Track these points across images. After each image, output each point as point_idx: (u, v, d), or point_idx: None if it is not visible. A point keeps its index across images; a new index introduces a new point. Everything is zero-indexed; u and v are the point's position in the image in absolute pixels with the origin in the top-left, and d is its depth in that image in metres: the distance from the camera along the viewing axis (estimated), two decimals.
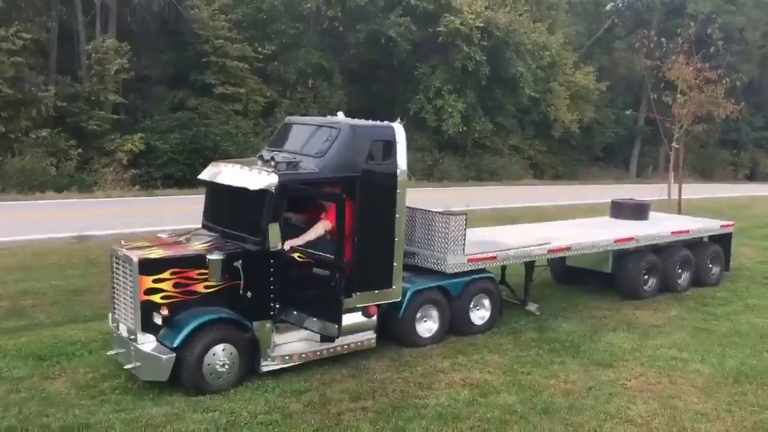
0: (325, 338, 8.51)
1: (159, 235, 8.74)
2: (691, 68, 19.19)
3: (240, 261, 7.85)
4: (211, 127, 28.56)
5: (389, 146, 8.76)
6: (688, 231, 13.23)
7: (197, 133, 27.91)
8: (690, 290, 13.08)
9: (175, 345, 7.49)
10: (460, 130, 34.61)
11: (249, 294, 7.92)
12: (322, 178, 8.31)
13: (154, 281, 7.58)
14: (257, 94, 30.81)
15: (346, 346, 8.67)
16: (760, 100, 52.37)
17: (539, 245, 10.94)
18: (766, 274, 15.06)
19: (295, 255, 8.04)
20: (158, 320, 7.62)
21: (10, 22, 24.56)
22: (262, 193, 7.88)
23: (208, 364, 7.62)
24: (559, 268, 13.20)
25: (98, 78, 26.66)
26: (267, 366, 8.10)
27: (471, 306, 9.97)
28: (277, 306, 8.04)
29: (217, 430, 6.82)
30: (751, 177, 53.65)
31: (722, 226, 14.09)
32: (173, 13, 28.80)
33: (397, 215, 8.80)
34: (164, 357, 7.47)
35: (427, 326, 9.54)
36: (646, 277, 12.40)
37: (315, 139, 8.83)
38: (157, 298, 7.59)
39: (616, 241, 11.90)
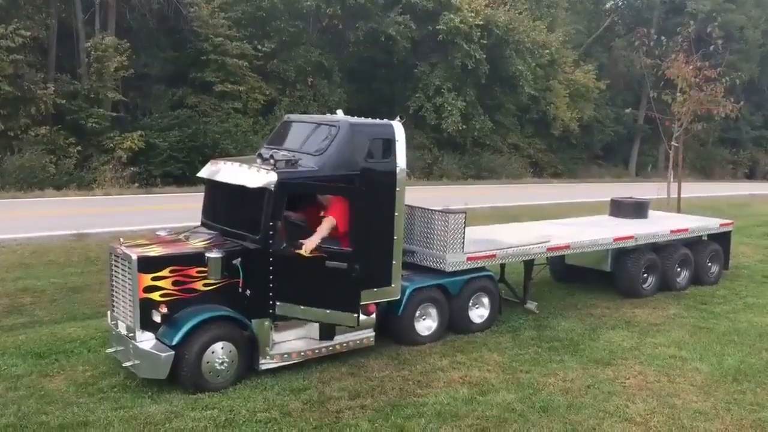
0: (324, 336, 8.54)
1: (158, 233, 8.74)
2: (690, 67, 19.15)
3: (239, 259, 7.85)
4: (211, 125, 28.55)
5: (389, 144, 8.74)
6: (687, 230, 13.24)
7: (196, 131, 27.90)
8: (689, 289, 13.08)
9: (174, 343, 7.49)
10: (460, 128, 34.61)
11: (248, 292, 7.92)
12: (321, 176, 8.29)
13: (153, 279, 7.57)
14: (256, 92, 30.77)
15: (345, 345, 8.67)
16: (760, 99, 52.42)
17: (538, 244, 10.93)
18: (765, 272, 15.07)
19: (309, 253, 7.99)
20: (157, 318, 7.62)
21: (10, 19, 24.54)
22: (262, 191, 7.87)
23: (207, 362, 7.62)
24: (559, 267, 13.21)
25: (97, 75, 26.63)
26: (266, 364, 8.10)
27: (470, 304, 9.98)
28: (278, 304, 8.03)
29: (215, 428, 6.82)
30: (751, 175, 53.74)
31: (721, 225, 14.09)
32: (172, 10, 28.79)
33: (396, 213, 8.79)
34: (163, 355, 7.46)
35: (426, 324, 9.54)
36: (645, 275, 12.41)
37: (314, 137, 8.82)
38: (156, 295, 7.59)
39: (615, 240, 11.90)
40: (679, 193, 19.86)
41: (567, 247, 11.25)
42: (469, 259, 9.80)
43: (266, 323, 8.06)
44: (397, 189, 8.77)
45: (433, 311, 9.57)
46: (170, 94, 29.43)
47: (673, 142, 20.59)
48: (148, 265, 7.58)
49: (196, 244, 8.15)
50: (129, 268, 7.65)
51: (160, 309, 7.59)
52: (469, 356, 9.04)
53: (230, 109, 29.80)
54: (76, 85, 26.76)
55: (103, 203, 21.14)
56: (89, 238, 15.11)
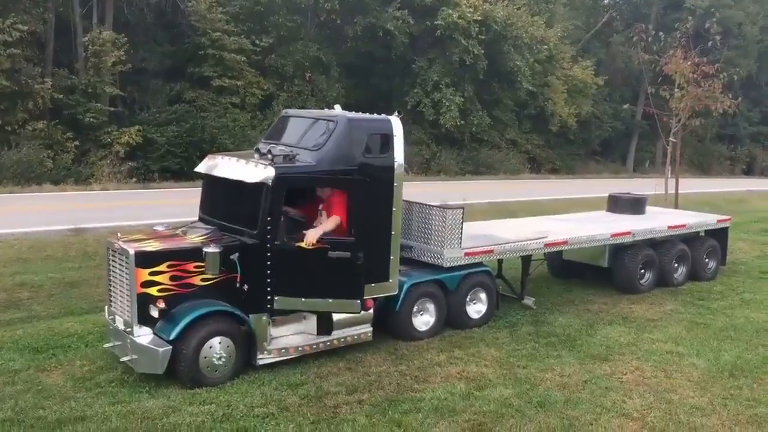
0: (322, 331, 8.55)
1: (155, 227, 8.73)
2: (688, 62, 19.18)
3: (237, 254, 7.85)
4: (208, 120, 28.51)
5: (386, 139, 8.73)
6: (684, 225, 13.25)
7: (194, 125, 27.86)
8: (686, 285, 13.09)
9: (171, 338, 7.48)
10: (458, 123, 34.58)
11: (246, 287, 7.92)
12: (319, 171, 8.29)
13: (151, 274, 7.57)
14: (254, 87, 30.72)
15: (342, 340, 8.68)
16: (758, 95, 52.45)
17: (536, 239, 10.94)
18: (762, 268, 15.08)
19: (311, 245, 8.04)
20: (155, 313, 7.62)
21: (7, 13, 24.45)
22: (259, 186, 7.87)
23: (205, 357, 7.62)
24: (556, 262, 13.22)
25: (95, 70, 26.57)
26: (263, 359, 8.11)
27: (467, 300, 9.98)
28: (276, 298, 8.03)
29: (213, 423, 6.82)
30: (748, 172, 53.79)
31: (719, 221, 14.10)
32: (170, 5, 28.74)
33: (394, 209, 8.79)
34: (160, 350, 7.46)
35: (424, 320, 9.55)
36: (642, 271, 12.42)
37: (312, 132, 8.81)
38: (153, 290, 7.59)
39: (612, 236, 11.91)
40: (676, 189, 19.90)
41: (564, 242, 11.26)
42: (466, 254, 9.80)
43: (264, 318, 8.06)
44: (395, 184, 8.76)
45: (431, 306, 9.58)
46: (168, 89, 29.36)
47: (670, 138, 20.64)
48: (145, 260, 7.57)
49: (194, 239, 8.14)
50: (126, 263, 7.65)
51: (157, 304, 7.58)
52: (467, 351, 9.05)
53: (228, 104, 29.76)
54: (74, 79, 26.69)
55: (100, 198, 21.11)
56: (87, 233, 15.10)
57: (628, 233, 12.11)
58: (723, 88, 20.05)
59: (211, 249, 7.69)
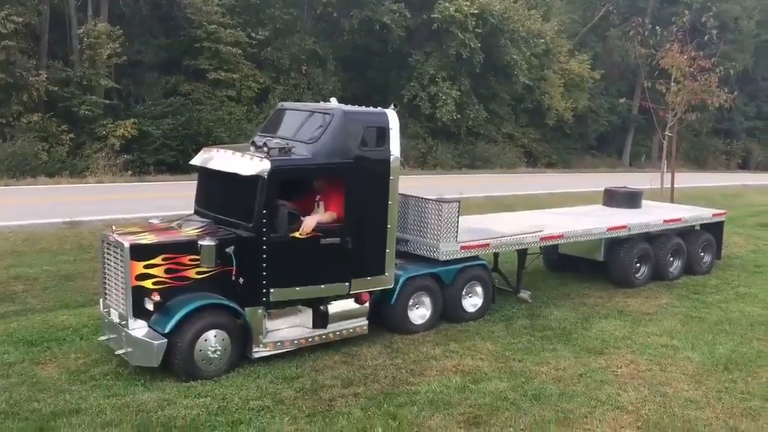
0: (318, 324, 8.55)
1: (150, 220, 8.71)
2: (685, 56, 19.15)
3: (232, 247, 7.83)
4: (204, 113, 28.43)
5: (382, 132, 8.72)
6: (680, 219, 13.27)
7: (190, 118, 27.77)
8: (681, 278, 13.13)
9: (166, 331, 7.47)
10: (454, 117, 34.54)
11: (241, 280, 7.91)
12: (314, 164, 8.28)
13: (146, 267, 7.55)
14: (250, 80, 30.63)
15: (338, 333, 8.68)
16: (754, 90, 52.51)
17: (532, 233, 10.94)
18: (756, 262, 15.13)
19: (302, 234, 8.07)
20: (149, 306, 7.61)
21: (1, 5, 24.31)
22: (255, 179, 7.85)
23: (200, 350, 7.61)
24: (552, 256, 13.24)
25: (90, 63, 26.46)
26: (259, 352, 8.10)
27: (463, 293, 9.99)
28: (272, 290, 8.02)
29: (208, 416, 6.82)
30: (744, 166, 53.91)
31: (714, 215, 14.13)
32: None
33: (389, 202, 8.78)
34: (155, 343, 7.45)
35: (420, 313, 9.55)
36: (638, 265, 12.44)
37: (308, 125, 8.79)
38: (148, 283, 7.58)
39: (608, 230, 11.92)
40: (672, 183, 19.91)
41: (560, 236, 11.26)
42: (462, 248, 9.80)
43: (259, 311, 8.06)
44: (391, 177, 8.75)
45: (427, 300, 9.58)
46: (163, 82, 29.27)
47: (666, 132, 20.63)
48: (140, 252, 7.55)
49: (189, 232, 8.12)
50: (121, 255, 7.63)
51: (152, 297, 7.58)
52: (462, 345, 9.06)
53: (224, 97, 29.67)
54: (69, 72, 26.58)
55: (95, 191, 21.05)
56: (82, 226, 15.06)
57: (624, 227, 12.12)
58: (719, 82, 20.03)
59: (207, 242, 7.68)
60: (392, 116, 8.86)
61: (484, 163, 36.62)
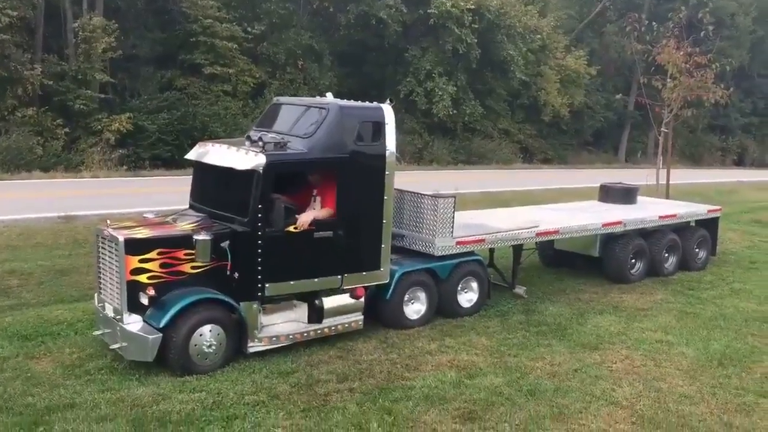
0: (313, 319, 8.55)
1: (145, 215, 8.68)
2: (681, 52, 19.14)
3: (227, 241, 7.82)
4: (200, 108, 28.31)
5: (378, 127, 8.72)
6: (675, 215, 13.30)
7: (185, 113, 27.66)
8: (676, 274, 13.16)
9: (161, 325, 7.46)
10: (450, 113, 34.49)
11: (236, 275, 7.89)
12: (310, 158, 8.26)
13: (141, 261, 7.54)
14: (246, 75, 30.48)
15: (333, 328, 8.68)
16: (749, 86, 52.56)
17: (528, 228, 10.96)
18: (751, 258, 15.18)
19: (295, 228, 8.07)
20: (144, 300, 7.60)
21: None
22: (250, 173, 7.83)
23: (195, 345, 7.60)
24: (548, 252, 13.25)
25: (85, 57, 26.31)
26: (254, 347, 8.10)
27: (459, 288, 9.99)
28: (267, 285, 8.00)
29: (203, 411, 6.81)
30: (739, 162, 54.01)
31: (709, 211, 14.16)
32: None
33: (385, 197, 8.77)
34: (150, 337, 7.44)
35: (415, 308, 9.56)
36: (633, 261, 12.46)
37: (303, 119, 8.77)
38: (143, 278, 7.56)
39: (604, 225, 11.94)
40: (668, 179, 19.93)
41: (556, 232, 11.27)
42: (458, 243, 9.80)
43: (254, 306, 8.05)
44: (387, 172, 8.75)
45: (422, 295, 9.58)
46: (159, 76, 29.13)
47: (662, 129, 20.64)
48: (135, 247, 7.54)
49: (184, 226, 8.10)
50: (116, 250, 7.61)
51: (147, 291, 7.56)
52: (458, 340, 9.07)
53: (219, 92, 29.54)
54: (64, 66, 26.43)
55: (90, 185, 20.98)
56: (77, 221, 15.03)
57: (619, 223, 12.14)
58: (715, 78, 20.03)
59: (202, 236, 7.67)
60: (388, 111, 8.85)
61: (480, 158, 36.60)
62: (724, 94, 20.11)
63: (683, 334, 9.70)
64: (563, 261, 13.16)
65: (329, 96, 9.40)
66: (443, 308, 9.86)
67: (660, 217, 12.96)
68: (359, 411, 6.95)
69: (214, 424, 6.59)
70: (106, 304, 8.02)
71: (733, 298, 11.80)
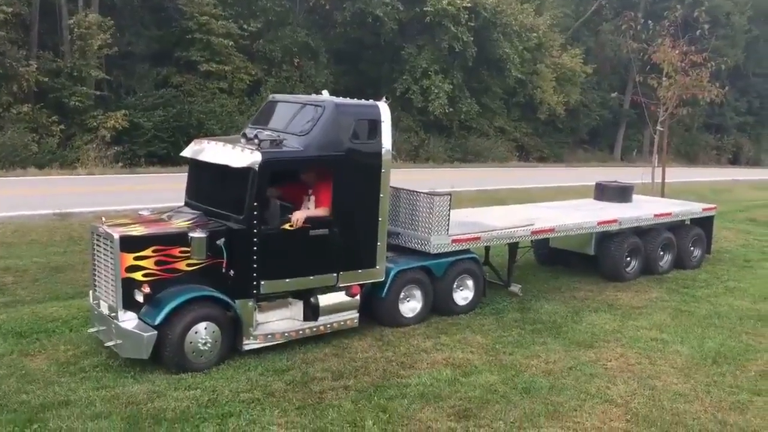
0: (308, 317, 8.54)
1: (140, 212, 8.66)
2: (677, 51, 19.20)
3: (223, 239, 7.81)
4: (196, 105, 28.27)
5: (374, 125, 8.71)
6: (670, 214, 13.32)
7: (181, 110, 27.61)
8: (671, 272, 13.19)
9: (156, 323, 7.45)
10: (446, 111, 34.52)
11: (232, 272, 7.89)
12: (306, 156, 8.26)
13: (136, 258, 7.52)
14: (242, 72, 30.46)
15: (328, 326, 8.67)
16: (745, 85, 52.73)
17: (523, 227, 10.96)
18: (746, 257, 15.22)
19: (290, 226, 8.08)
20: (139, 298, 7.59)
21: None
22: (246, 171, 7.82)
23: (190, 342, 7.59)
24: (543, 250, 13.27)
25: (80, 53, 26.25)
26: (249, 344, 8.09)
27: (454, 286, 10.00)
28: (263, 282, 8.00)
29: (198, 408, 6.81)
30: (734, 161, 54.22)
31: (704, 210, 14.19)
32: None
33: (381, 195, 8.77)
34: (145, 335, 7.42)
35: (410, 306, 9.56)
36: (628, 259, 12.49)
37: (299, 117, 8.76)
38: (138, 275, 7.55)
39: (599, 224, 11.95)
40: (663, 178, 19.99)
41: (551, 230, 11.29)
42: (453, 241, 9.80)
43: (250, 303, 8.04)
44: (383, 170, 8.74)
45: (418, 293, 9.58)
46: (155, 73, 29.07)
47: (658, 127, 20.69)
48: (130, 244, 7.52)
49: (180, 223, 8.09)
50: (111, 247, 7.59)
51: (142, 289, 7.55)
52: (453, 338, 9.08)
53: (215, 89, 29.50)
54: (59, 62, 26.36)
55: (86, 183, 20.93)
56: (72, 218, 14.99)
57: (615, 221, 12.16)
58: (710, 77, 20.11)
59: (197, 234, 7.65)
60: (384, 109, 8.84)
61: (476, 156, 36.63)
62: (719, 92, 20.18)
63: (678, 333, 9.73)
64: (558, 259, 13.18)
65: (325, 93, 9.40)
66: (439, 306, 9.87)
67: (655, 215, 12.99)
68: (354, 408, 6.96)
69: (209, 421, 6.59)
70: (101, 302, 8.00)
71: (728, 297, 11.83)
